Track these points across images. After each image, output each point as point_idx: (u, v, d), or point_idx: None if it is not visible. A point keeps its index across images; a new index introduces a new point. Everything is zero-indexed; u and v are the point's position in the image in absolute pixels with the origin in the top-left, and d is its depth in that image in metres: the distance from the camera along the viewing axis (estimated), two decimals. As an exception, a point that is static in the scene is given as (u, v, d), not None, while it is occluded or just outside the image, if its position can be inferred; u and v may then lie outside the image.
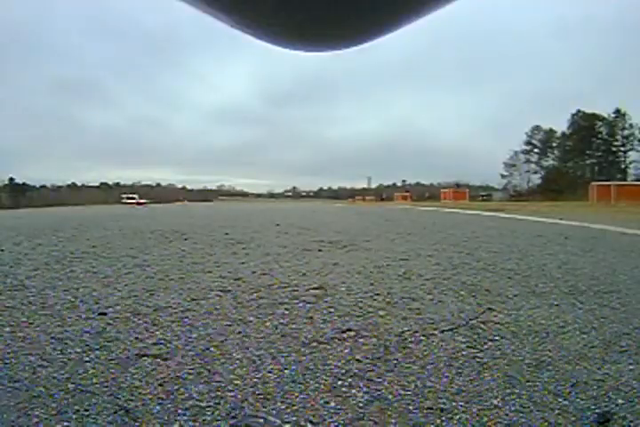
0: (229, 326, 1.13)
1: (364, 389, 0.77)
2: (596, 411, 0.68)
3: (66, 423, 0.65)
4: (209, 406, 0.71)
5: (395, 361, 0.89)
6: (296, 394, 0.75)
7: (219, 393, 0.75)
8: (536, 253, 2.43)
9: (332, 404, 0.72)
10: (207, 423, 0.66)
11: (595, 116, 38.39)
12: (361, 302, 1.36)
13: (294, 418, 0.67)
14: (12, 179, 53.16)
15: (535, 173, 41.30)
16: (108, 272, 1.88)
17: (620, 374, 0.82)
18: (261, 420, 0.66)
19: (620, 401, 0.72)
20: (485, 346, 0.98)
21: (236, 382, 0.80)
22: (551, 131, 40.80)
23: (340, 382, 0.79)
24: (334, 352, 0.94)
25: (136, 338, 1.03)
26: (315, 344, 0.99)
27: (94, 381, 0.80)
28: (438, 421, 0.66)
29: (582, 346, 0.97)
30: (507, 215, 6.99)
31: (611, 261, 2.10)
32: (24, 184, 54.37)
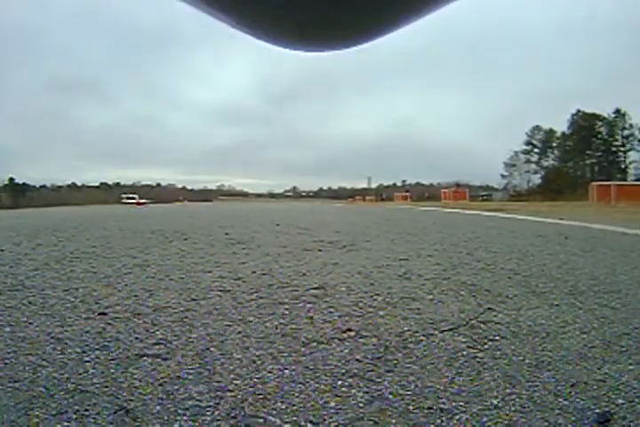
0: (229, 326, 1.13)
1: (364, 389, 0.77)
2: (596, 411, 0.68)
3: (66, 423, 0.65)
4: (209, 406, 0.71)
5: (395, 361, 0.89)
6: (296, 394, 0.75)
7: (219, 393, 0.75)
8: (536, 253, 2.43)
9: (332, 404, 0.72)
10: (207, 423, 0.66)
11: (595, 116, 38.37)
12: (361, 302, 1.36)
13: (294, 418, 0.67)
14: (11, 179, 53.21)
15: (535, 173, 41.33)
16: (108, 272, 1.88)
17: (620, 374, 0.82)
18: (261, 420, 0.67)
19: (619, 401, 0.72)
20: (485, 346, 0.98)
21: (235, 382, 0.80)
22: (551, 131, 40.82)
23: (339, 382, 0.79)
24: (334, 352, 0.94)
25: (136, 338, 1.03)
26: (315, 344, 0.99)
27: (94, 381, 0.80)
28: (438, 421, 0.66)
29: (582, 346, 0.97)
30: (507, 215, 7.00)
31: (611, 262, 2.10)
32: (24, 184, 54.44)
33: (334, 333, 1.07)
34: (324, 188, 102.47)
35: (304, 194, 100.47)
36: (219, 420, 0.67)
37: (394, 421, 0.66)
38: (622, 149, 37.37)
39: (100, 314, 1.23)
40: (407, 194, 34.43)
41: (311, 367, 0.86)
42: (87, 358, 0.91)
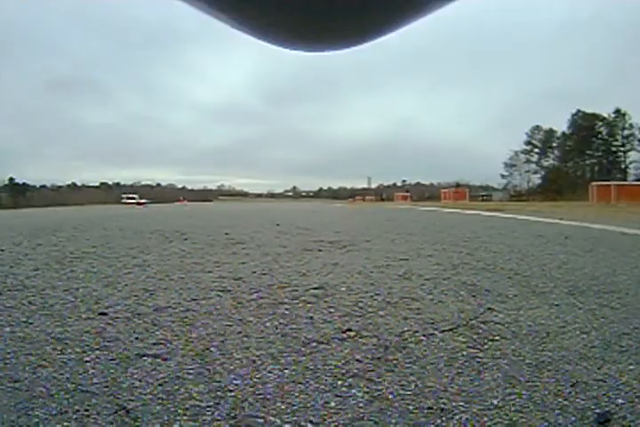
0: (229, 326, 1.13)
1: (364, 389, 0.77)
2: (596, 411, 0.68)
3: (66, 423, 0.65)
4: (209, 406, 0.71)
5: (395, 361, 0.89)
6: (296, 394, 0.75)
7: (219, 393, 0.75)
8: (536, 253, 2.43)
9: (332, 404, 0.72)
10: (207, 423, 0.66)
11: (595, 116, 38.35)
12: (361, 302, 1.36)
13: (294, 418, 0.67)
14: (11, 179, 53.23)
15: (535, 173, 41.34)
16: (108, 272, 1.88)
17: (619, 374, 0.82)
18: (261, 420, 0.66)
19: (619, 401, 0.72)
20: (485, 346, 0.98)
21: (235, 382, 0.80)
22: (551, 131, 40.82)
23: (339, 382, 0.79)
24: (334, 352, 0.94)
25: (136, 338, 1.03)
26: (315, 344, 0.99)
27: (94, 381, 0.80)
28: (438, 421, 0.66)
29: (582, 346, 0.97)
30: (507, 215, 6.99)
31: (611, 261, 2.10)
32: (24, 184, 54.44)
33: (334, 333, 1.07)
34: (324, 188, 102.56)
35: (304, 194, 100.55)
36: (219, 420, 0.67)
37: (394, 421, 0.66)
38: (622, 149, 37.38)
39: (100, 314, 1.23)
40: (407, 194, 34.40)
41: (311, 367, 0.86)
42: (87, 358, 0.91)
